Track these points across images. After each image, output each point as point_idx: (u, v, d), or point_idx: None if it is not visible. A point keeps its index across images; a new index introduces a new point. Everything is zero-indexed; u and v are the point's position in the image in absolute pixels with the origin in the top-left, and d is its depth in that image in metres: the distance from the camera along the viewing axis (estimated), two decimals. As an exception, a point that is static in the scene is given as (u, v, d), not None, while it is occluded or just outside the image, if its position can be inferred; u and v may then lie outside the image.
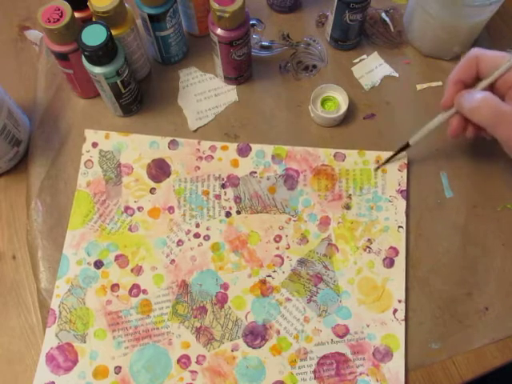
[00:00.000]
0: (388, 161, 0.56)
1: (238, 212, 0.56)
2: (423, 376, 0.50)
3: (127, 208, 0.56)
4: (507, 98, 0.48)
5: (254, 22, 0.65)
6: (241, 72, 0.60)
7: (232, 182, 0.57)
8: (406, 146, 0.55)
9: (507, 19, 0.65)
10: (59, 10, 0.51)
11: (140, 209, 0.56)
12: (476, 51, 0.49)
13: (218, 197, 0.56)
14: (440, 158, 0.58)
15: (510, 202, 0.56)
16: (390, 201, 0.55)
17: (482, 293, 0.52)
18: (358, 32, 0.61)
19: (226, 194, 0.56)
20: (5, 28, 0.67)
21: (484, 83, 0.49)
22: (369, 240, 0.54)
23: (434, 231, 0.55)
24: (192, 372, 0.50)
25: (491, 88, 0.49)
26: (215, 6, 0.51)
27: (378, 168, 0.56)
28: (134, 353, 0.51)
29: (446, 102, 0.51)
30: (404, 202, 0.55)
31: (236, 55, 0.57)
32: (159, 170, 0.58)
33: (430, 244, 0.54)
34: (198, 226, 0.55)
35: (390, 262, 0.53)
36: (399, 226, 0.54)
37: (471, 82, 0.50)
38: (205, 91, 0.62)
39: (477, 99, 0.47)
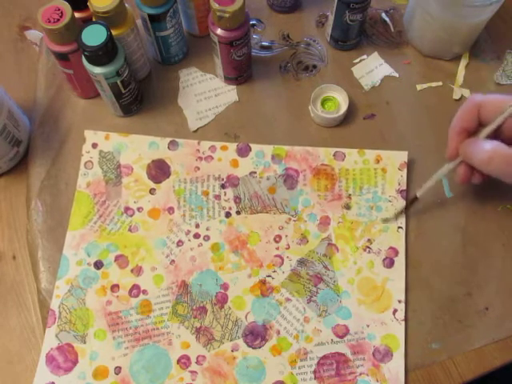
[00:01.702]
0: (399, 215, 0.54)
1: (238, 212, 0.56)
2: (423, 376, 0.50)
3: (127, 209, 0.56)
4: None
5: (254, 22, 0.65)
6: (241, 72, 0.60)
7: (232, 182, 0.57)
8: (415, 199, 0.53)
9: (507, 19, 0.65)
10: (59, 10, 0.51)
11: (140, 209, 0.56)
12: (476, 98, 0.47)
13: (217, 197, 0.56)
14: (440, 157, 0.58)
15: (510, 202, 0.56)
16: (389, 201, 0.55)
17: (482, 293, 0.52)
18: (358, 32, 0.61)
19: (225, 194, 0.56)
20: (5, 28, 0.67)
21: (488, 130, 0.47)
22: (369, 240, 0.54)
23: (434, 231, 0.55)
24: (192, 372, 0.50)
25: (496, 132, 0.47)
26: (215, 6, 0.51)
27: (388, 221, 0.54)
28: (134, 353, 0.50)
29: (452, 154, 0.50)
30: (404, 203, 0.55)
31: (236, 55, 0.57)
32: (159, 170, 0.58)
33: (430, 244, 0.54)
34: (197, 226, 0.55)
35: (389, 262, 0.53)
36: (399, 227, 0.54)
37: (475, 130, 0.48)
38: (205, 91, 0.62)
39: (487, 151, 0.45)
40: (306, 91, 0.61)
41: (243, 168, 0.57)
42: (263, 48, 0.64)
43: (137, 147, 0.58)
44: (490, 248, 0.54)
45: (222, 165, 0.57)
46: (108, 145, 0.58)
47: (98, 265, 0.54)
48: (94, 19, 0.54)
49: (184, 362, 0.50)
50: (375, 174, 0.57)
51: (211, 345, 0.51)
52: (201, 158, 0.58)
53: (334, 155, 0.57)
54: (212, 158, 0.58)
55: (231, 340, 0.51)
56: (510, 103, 0.45)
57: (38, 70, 0.63)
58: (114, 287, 0.53)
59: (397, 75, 0.62)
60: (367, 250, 0.54)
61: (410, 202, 0.54)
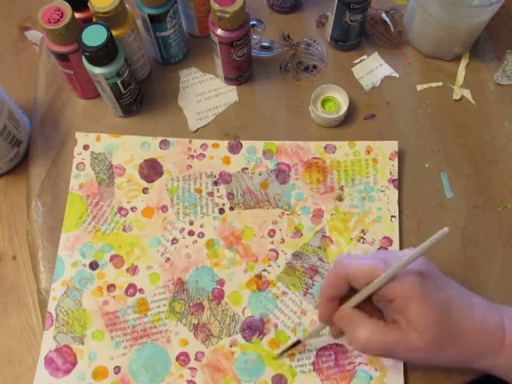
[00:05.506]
0: (284, 352, 0.49)
1: (232, 208, 0.56)
2: (423, 376, 0.50)
3: (120, 209, 0.56)
4: (388, 313, 0.43)
5: (254, 22, 0.65)
6: (241, 72, 0.60)
7: (224, 178, 0.57)
8: (297, 343, 0.49)
9: (507, 19, 0.65)
10: (59, 10, 0.51)
11: (133, 209, 0.56)
12: (344, 268, 0.42)
13: (210, 194, 0.56)
14: (440, 158, 0.58)
15: (510, 202, 0.56)
16: (382, 191, 0.56)
17: (482, 293, 0.52)
18: (358, 32, 0.61)
19: (218, 190, 0.57)
20: (5, 28, 0.67)
21: (356, 300, 0.43)
22: (362, 231, 0.54)
23: (434, 231, 0.54)
24: (191, 369, 0.50)
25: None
26: (216, 6, 0.51)
27: (281, 354, 0.50)
28: (133, 352, 0.51)
29: (323, 318, 0.45)
30: (396, 192, 0.55)
31: (236, 56, 0.57)
32: (151, 169, 0.58)
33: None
34: (191, 223, 0.55)
35: None
36: (392, 216, 0.55)
37: (346, 295, 0.44)
38: (205, 92, 0.62)
39: (361, 341, 0.42)
40: (306, 91, 0.61)
41: (235, 164, 0.57)
42: (263, 48, 0.64)
43: (128, 147, 0.58)
44: (490, 248, 0.54)
45: (213, 162, 0.58)
46: (99, 146, 0.58)
47: (94, 265, 0.54)
48: (94, 19, 0.54)
49: (183, 358, 0.50)
50: (366, 165, 0.57)
51: (209, 341, 0.51)
52: (192, 156, 0.58)
53: (324, 148, 0.58)
54: (204, 155, 0.58)
55: (229, 335, 0.51)
56: (377, 273, 0.41)
57: (38, 70, 0.63)
58: (110, 287, 0.53)
59: (397, 75, 0.62)
60: (361, 240, 0.54)
61: (292, 345, 0.49)
